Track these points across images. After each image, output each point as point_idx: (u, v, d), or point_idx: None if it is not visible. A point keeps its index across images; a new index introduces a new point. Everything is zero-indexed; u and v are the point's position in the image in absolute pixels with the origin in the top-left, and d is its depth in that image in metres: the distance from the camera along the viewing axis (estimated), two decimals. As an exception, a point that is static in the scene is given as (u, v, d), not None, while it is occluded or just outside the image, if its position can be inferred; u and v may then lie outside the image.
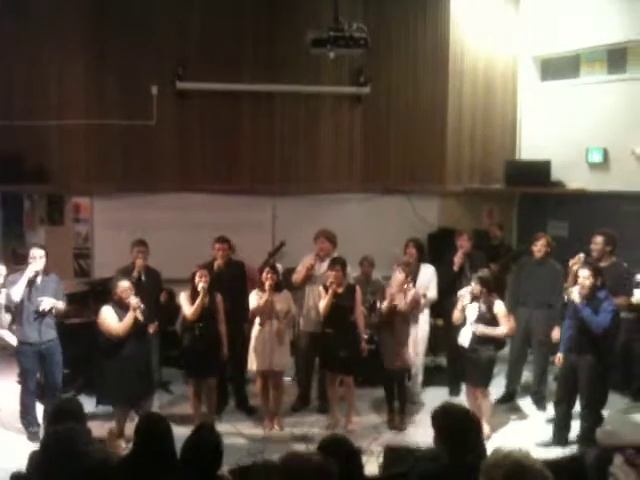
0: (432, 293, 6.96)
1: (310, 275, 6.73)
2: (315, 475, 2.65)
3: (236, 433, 6.21)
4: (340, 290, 6.24)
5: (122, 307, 5.82)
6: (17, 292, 5.92)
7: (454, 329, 6.45)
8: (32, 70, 8.24)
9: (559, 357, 6.04)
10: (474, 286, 6.06)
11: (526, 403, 7.01)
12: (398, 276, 6.33)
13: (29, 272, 5.96)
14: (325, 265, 6.59)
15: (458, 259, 7.00)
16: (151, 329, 6.08)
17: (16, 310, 6.03)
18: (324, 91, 8.60)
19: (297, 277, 6.81)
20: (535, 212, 8.86)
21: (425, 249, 7.31)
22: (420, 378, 7.07)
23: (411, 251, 7.00)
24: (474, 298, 6.08)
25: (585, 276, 5.78)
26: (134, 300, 5.79)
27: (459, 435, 3.23)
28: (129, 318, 5.77)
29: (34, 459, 3.42)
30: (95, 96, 8.31)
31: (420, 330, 6.79)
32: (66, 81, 8.28)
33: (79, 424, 3.50)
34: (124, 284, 5.88)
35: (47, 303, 6.04)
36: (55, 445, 3.15)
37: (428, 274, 6.97)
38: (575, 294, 5.75)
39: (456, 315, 6.18)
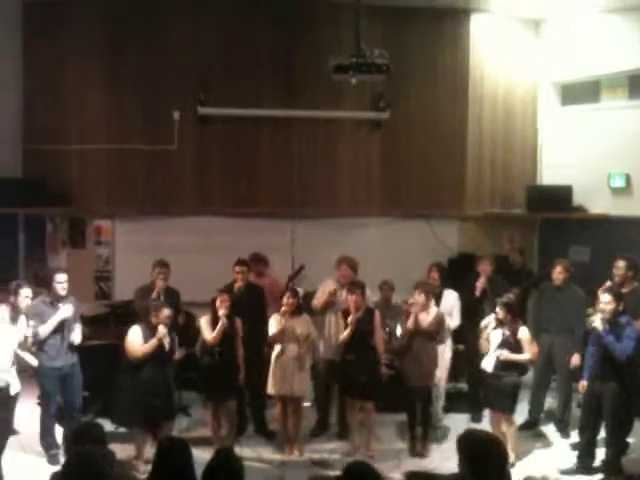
0: (455, 320, 6.91)
1: (331, 302, 6.71)
2: None
3: (255, 458, 6.15)
4: (359, 314, 6.21)
5: (153, 330, 5.84)
6: (46, 331, 5.97)
7: (476, 355, 6.40)
8: (55, 94, 8.34)
9: (583, 384, 5.96)
10: (499, 311, 6.01)
11: (549, 430, 6.91)
12: (418, 298, 6.29)
13: (63, 314, 6.02)
14: (345, 292, 6.57)
15: (480, 284, 6.96)
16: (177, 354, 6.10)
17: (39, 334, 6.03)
18: (343, 116, 8.64)
19: (317, 303, 6.78)
20: (556, 237, 8.79)
21: (447, 274, 7.27)
22: (441, 403, 6.99)
23: (434, 275, 6.97)
24: (498, 324, 6.03)
25: (606, 301, 5.72)
26: (162, 330, 5.81)
27: (485, 461, 3.17)
28: (152, 344, 5.79)
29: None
30: (117, 120, 8.41)
31: (442, 355, 6.71)
32: (89, 105, 8.39)
33: (101, 447, 3.48)
34: (167, 311, 5.91)
35: (78, 336, 6.13)
36: (78, 467, 3.13)
37: (451, 299, 6.92)
38: (597, 321, 5.69)
39: (482, 345, 6.13)
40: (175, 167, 8.51)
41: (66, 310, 6.05)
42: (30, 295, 5.84)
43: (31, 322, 5.88)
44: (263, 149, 8.62)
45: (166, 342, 5.83)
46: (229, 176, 8.58)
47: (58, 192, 8.27)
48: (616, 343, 5.60)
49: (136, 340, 5.85)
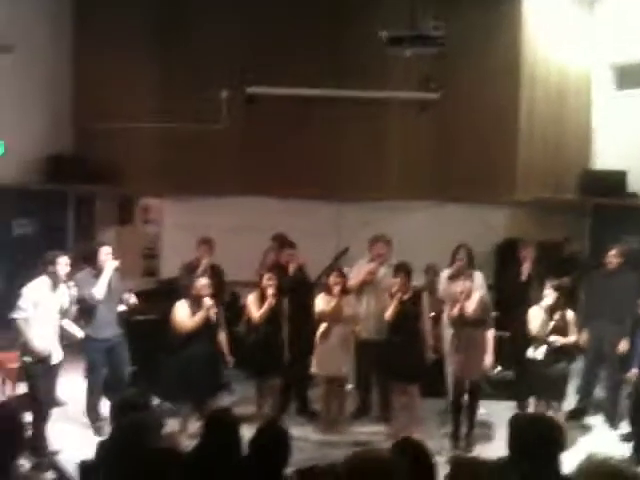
0: None
1: (369, 281, 6.63)
2: (382, 470, 2.56)
3: (297, 437, 6.12)
4: (406, 297, 6.13)
5: (196, 303, 5.87)
6: (100, 291, 6.05)
7: (523, 342, 6.26)
8: (106, 74, 8.43)
9: (634, 373, 5.79)
10: (551, 294, 5.86)
11: (597, 420, 6.74)
12: (466, 284, 6.15)
13: (109, 270, 6.09)
14: (382, 270, 6.50)
15: (526, 269, 6.79)
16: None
17: (88, 306, 6.13)
18: (393, 97, 8.52)
19: (353, 283, 6.67)
20: (608, 224, 8.53)
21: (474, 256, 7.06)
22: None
23: (462, 257, 6.79)
24: (551, 309, 5.88)
25: None
26: (208, 301, 5.85)
27: (544, 446, 3.08)
28: (200, 316, 5.84)
29: (103, 448, 3.43)
30: (167, 99, 8.45)
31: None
32: (139, 84, 8.48)
33: (148, 414, 3.51)
34: (203, 281, 5.96)
35: (132, 297, 6.22)
36: (125, 434, 3.15)
37: (479, 281, 6.76)
38: None
39: (538, 331, 5.95)
40: (222, 147, 8.53)
41: (112, 264, 6.11)
42: (68, 262, 5.88)
43: (73, 290, 5.98)
44: (311, 130, 8.57)
45: (212, 313, 5.86)
46: (277, 157, 8.54)
47: (108, 170, 8.37)
48: None
49: (183, 313, 5.89)
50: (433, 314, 6.77)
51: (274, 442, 3.29)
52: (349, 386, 6.77)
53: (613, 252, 6.58)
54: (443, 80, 8.41)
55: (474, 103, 8.56)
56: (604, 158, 8.74)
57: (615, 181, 8.23)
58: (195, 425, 5.74)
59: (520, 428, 3.26)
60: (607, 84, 8.80)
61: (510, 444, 3.32)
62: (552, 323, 5.85)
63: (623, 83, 8.75)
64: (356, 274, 6.70)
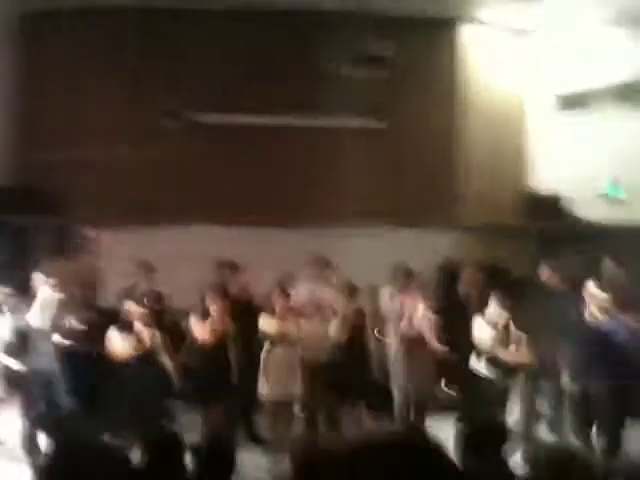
0: None
1: (312, 302, 6.67)
2: None
3: (244, 463, 5.95)
4: (351, 316, 6.16)
5: (130, 329, 5.73)
6: (34, 317, 5.87)
7: (465, 359, 6.30)
8: (43, 101, 8.29)
9: (570, 383, 5.87)
10: (497, 310, 5.94)
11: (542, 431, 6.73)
12: (410, 300, 6.20)
13: (43, 297, 5.90)
14: (325, 290, 6.70)
15: (471, 292, 6.92)
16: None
17: (24, 337, 5.93)
18: (340, 124, 8.58)
19: (297, 304, 6.64)
20: (549, 246, 8.73)
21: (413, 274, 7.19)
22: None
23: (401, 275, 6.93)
24: (503, 327, 5.96)
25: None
26: (139, 326, 5.71)
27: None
28: (131, 343, 5.69)
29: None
30: (108, 127, 8.32)
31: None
32: (78, 111, 8.31)
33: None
34: (134, 308, 5.81)
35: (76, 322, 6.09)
36: (62, 455, 2.99)
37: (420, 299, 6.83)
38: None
39: (484, 345, 6.00)
40: (169, 176, 8.38)
41: (46, 291, 5.91)
42: (8, 292, 5.71)
43: (10, 320, 5.78)
44: (259, 157, 8.53)
45: (146, 339, 5.70)
46: (226, 185, 8.43)
47: (48, 201, 8.16)
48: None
49: (114, 341, 5.73)
50: (378, 331, 6.81)
51: (220, 455, 3.18)
52: (297, 408, 6.65)
53: (548, 271, 6.73)
54: (390, 109, 8.52)
55: (418, 130, 8.71)
56: (545, 182, 8.97)
57: (555, 204, 8.47)
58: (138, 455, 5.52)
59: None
60: (546, 109, 9.09)
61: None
62: (496, 339, 5.91)
63: (561, 108, 9.05)
64: (299, 295, 6.72)
